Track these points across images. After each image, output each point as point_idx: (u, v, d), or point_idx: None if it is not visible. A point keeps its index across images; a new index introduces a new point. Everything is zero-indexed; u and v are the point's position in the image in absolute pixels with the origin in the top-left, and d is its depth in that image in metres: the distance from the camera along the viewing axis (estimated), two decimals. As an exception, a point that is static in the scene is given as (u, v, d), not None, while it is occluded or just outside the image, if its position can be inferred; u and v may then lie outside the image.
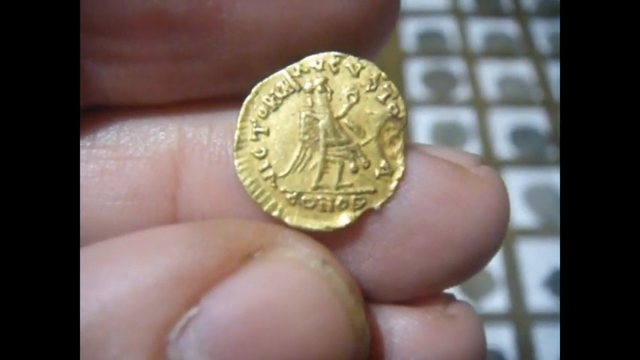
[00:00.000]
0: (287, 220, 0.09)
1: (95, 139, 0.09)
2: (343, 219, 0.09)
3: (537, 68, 0.39)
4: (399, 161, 0.09)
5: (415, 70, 0.39)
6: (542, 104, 0.37)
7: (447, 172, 0.09)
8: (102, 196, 0.09)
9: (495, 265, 0.31)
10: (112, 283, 0.07)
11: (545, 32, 0.41)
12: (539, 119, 0.37)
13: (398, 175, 0.09)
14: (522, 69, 0.39)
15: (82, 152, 0.09)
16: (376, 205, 0.09)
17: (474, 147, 0.35)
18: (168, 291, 0.07)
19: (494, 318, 0.29)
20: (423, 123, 0.36)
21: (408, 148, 0.10)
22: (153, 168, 0.09)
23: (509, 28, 0.42)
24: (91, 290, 0.07)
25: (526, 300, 0.29)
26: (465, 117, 0.37)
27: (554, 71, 0.38)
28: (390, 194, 0.09)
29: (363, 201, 0.09)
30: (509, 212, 0.09)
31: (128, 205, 0.09)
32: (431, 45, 0.41)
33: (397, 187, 0.09)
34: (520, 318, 0.29)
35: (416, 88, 0.38)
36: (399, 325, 0.09)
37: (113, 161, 0.09)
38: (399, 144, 0.10)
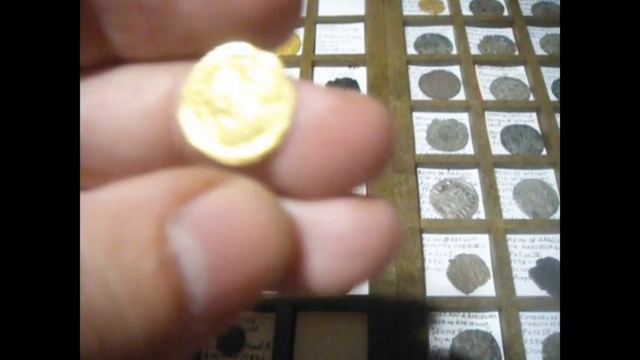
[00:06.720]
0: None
1: (112, 78, 0.12)
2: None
3: (532, 73, 0.41)
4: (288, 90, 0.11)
5: (418, 74, 0.42)
6: (535, 107, 0.39)
7: (333, 92, 0.11)
8: (124, 114, 0.12)
9: (487, 256, 0.33)
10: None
11: (540, 39, 0.44)
12: (531, 121, 0.39)
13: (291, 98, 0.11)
14: (517, 74, 0.42)
15: (107, 82, 0.12)
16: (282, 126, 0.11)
17: (470, 145, 0.38)
18: (165, 197, 0.10)
19: (486, 304, 0.31)
20: (424, 124, 0.39)
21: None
22: (155, 99, 0.12)
23: (506, 34, 0.44)
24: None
25: (514, 288, 0.32)
26: (463, 118, 0.39)
27: (547, 76, 0.41)
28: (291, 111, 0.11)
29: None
30: (388, 129, 0.11)
31: (140, 122, 0.12)
32: (433, 51, 0.43)
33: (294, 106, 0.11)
34: (508, 305, 0.31)
35: (418, 91, 0.41)
36: (317, 215, 0.12)
37: (133, 92, 0.12)
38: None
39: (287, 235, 0.11)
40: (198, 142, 0.11)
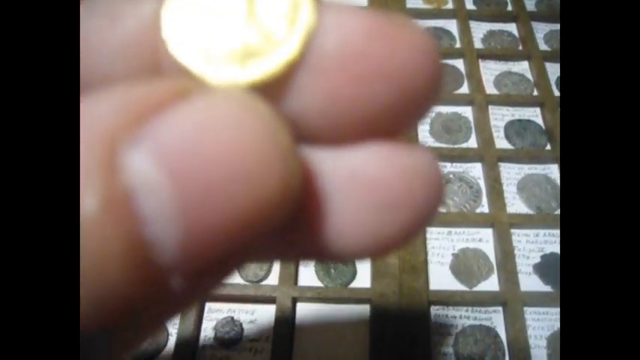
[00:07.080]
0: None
1: (91, 5, 0.10)
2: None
3: (536, 68, 0.41)
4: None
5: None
6: (538, 102, 0.39)
7: (369, 15, 0.09)
8: (98, 48, 0.09)
9: (491, 251, 0.32)
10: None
11: (544, 34, 0.43)
12: (535, 116, 0.38)
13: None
14: (521, 69, 0.41)
15: (83, 12, 0.09)
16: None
17: (474, 139, 0.37)
18: (117, 112, 0.07)
19: (490, 299, 0.31)
20: (427, 116, 0.38)
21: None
22: (137, 26, 0.09)
23: (510, 29, 0.44)
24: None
25: (518, 283, 0.31)
26: (467, 112, 0.39)
27: (551, 71, 0.40)
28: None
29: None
30: (437, 58, 0.09)
31: (118, 57, 0.09)
32: (436, 44, 0.43)
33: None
34: (512, 300, 0.30)
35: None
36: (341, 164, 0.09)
37: (108, 20, 0.09)
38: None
39: (292, 160, 0.08)
40: (182, 57, 0.09)
